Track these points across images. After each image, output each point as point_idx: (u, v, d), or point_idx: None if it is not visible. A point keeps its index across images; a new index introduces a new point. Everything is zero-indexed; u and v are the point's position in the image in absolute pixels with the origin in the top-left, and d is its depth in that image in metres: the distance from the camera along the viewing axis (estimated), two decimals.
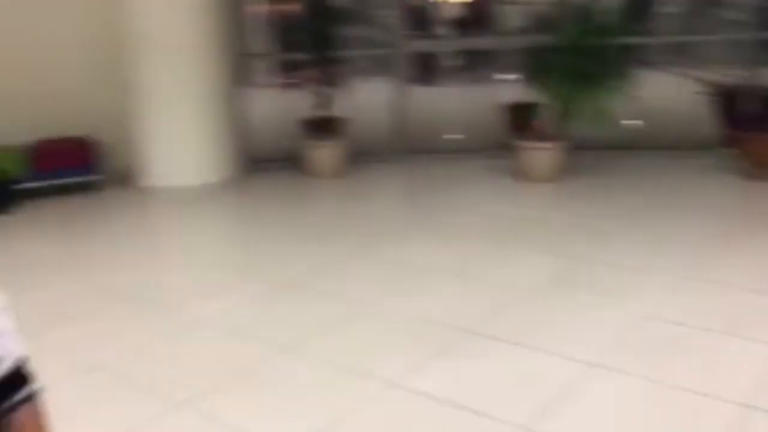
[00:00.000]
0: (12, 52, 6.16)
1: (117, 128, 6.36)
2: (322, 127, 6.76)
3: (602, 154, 6.76)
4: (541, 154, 6.18)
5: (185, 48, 6.14)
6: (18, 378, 0.94)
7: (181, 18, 6.11)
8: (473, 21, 10.91)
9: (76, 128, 6.34)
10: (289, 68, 7.59)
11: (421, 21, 10.27)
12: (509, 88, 7.43)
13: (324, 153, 6.72)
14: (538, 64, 6.21)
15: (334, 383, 3.10)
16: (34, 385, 0.96)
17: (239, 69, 6.88)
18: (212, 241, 5.41)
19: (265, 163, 6.90)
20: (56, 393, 3.04)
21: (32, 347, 3.27)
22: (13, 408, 0.93)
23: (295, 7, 7.37)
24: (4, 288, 3.86)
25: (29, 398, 0.95)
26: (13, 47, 6.16)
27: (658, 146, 6.84)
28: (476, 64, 10.46)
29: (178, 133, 6.27)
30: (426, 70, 9.90)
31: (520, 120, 6.70)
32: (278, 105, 7.32)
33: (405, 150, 7.08)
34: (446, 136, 7.54)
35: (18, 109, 6.15)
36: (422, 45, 8.46)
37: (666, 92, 7.15)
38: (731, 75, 6.59)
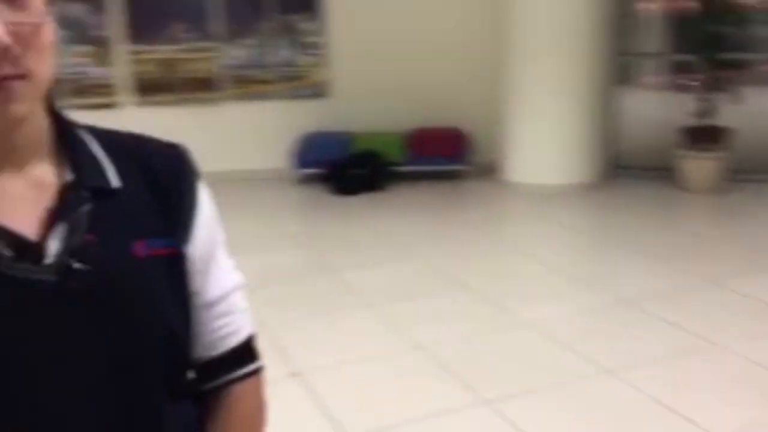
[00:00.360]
0: (401, 50, 6.76)
1: (486, 122, 6.60)
2: (703, 136, 6.10)
3: None
4: None
5: (560, 46, 6.06)
6: (246, 353, 1.00)
7: (559, 16, 6.04)
8: None
9: (450, 119, 6.75)
10: (674, 70, 7.02)
11: None
12: None
13: (701, 165, 6.08)
14: None
15: (649, 420, 2.80)
16: (258, 362, 1.01)
17: (619, 69, 6.60)
18: (557, 243, 5.29)
19: (631, 170, 6.52)
20: (379, 364, 3.33)
21: (369, 318, 3.56)
22: (235, 381, 0.98)
23: (692, 4, 6.76)
24: (358, 257, 4.21)
25: (252, 374, 1.00)
26: (402, 47, 6.76)
27: None
28: None
29: (544, 131, 6.25)
30: None
31: None
32: (656, 109, 6.84)
33: None
34: None
35: (403, 100, 6.76)
36: None
37: None
38: None
